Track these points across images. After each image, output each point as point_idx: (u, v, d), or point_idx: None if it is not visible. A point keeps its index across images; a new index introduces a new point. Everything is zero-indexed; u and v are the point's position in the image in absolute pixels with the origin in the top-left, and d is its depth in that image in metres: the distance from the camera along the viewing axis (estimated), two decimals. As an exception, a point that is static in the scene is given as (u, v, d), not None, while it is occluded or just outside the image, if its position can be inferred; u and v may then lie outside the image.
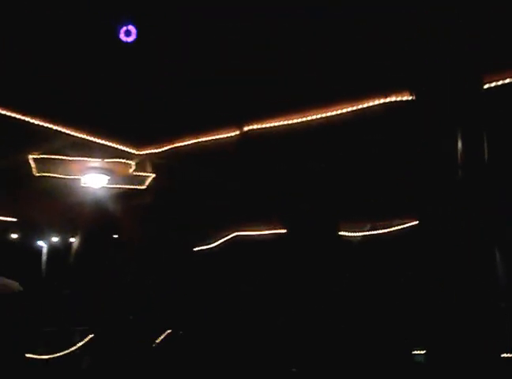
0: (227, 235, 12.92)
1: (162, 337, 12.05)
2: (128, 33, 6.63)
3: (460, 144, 4.81)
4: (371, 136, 7.72)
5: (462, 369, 4.64)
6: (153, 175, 10.14)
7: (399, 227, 11.58)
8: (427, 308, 5.02)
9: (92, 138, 8.11)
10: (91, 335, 12.19)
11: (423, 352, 10.44)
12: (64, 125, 7.79)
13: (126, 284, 12.15)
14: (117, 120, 7.88)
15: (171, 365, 10.95)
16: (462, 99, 4.90)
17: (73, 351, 12.17)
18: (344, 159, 8.57)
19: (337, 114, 7.13)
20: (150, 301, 12.01)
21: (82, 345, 12.21)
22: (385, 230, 11.80)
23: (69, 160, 9.37)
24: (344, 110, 7.04)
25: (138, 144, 8.59)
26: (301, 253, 11.50)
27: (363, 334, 10.98)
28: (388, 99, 6.74)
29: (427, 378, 5.99)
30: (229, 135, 7.72)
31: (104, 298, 12.27)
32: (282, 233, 12.28)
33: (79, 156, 9.27)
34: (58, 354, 12.12)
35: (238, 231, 12.80)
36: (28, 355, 12.11)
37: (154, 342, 11.88)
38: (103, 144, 8.53)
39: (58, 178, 10.01)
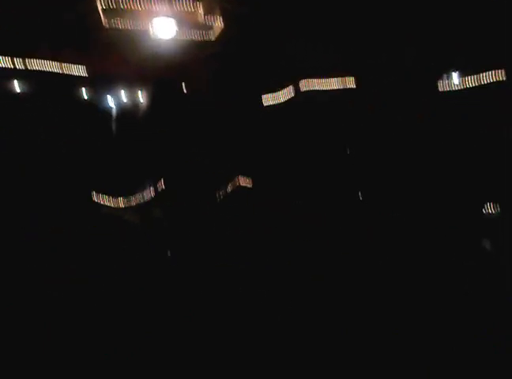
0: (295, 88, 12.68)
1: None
2: None
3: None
4: None
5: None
6: (222, 24, 9.94)
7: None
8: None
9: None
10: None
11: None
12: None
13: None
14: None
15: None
16: None
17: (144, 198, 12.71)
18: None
19: None
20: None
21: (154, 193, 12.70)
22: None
23: (138, 9, 9.25)
24: None
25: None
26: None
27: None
28: None
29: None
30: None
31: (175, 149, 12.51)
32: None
33: (147, 3, 9.14)
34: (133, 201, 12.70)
35: (307, 84, 12.53)
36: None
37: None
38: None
39: (127, 28, 9.96)
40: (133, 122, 14.70)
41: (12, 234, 10.09)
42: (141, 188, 13.47)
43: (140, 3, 9.08)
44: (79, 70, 11.80)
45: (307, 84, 12.56)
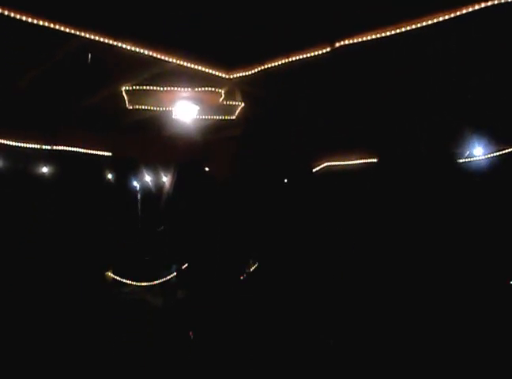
0: (318, 166, 12.77)
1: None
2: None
3: None
4: (471, 47, 7.34)
5: None
6: (242, 104, 10.08)
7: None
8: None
9: (183, 62, 8.05)
10: (185, 266, 12.59)
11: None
12: (155, 50, 7.77)
13: (216, 217, 12.31)
14: (207, 43, 7.81)
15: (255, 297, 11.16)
16: None
17: (168, 280, 12.65)
18: (441, 72, 8.21)
19: (432, 25, 6.76)
20: (238, 233, 12.15)
21: (177, 275, 12.63)
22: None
23: (160, 91, 9.43)
24: (441, 19, 6.66)
25: (228, 68, 8.49)
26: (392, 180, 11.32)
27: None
28: (490, 3, 6.29)
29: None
30: (320, 52, 7.50)
31: (198, 232, 12.53)
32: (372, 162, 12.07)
33: (169, 86, 9.32)
34: (156, 282, 12.65)
35: (328, 161, 12.62)
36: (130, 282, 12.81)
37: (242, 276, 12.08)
38: (192, 73, 8.48)
39: (150, 110, 10.15)
40: (157, 203, 14.89)
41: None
42: (164, 269, 13.45)
43: (162, 85, 9.24)
44: (103, 150, 11.99)
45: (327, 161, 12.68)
